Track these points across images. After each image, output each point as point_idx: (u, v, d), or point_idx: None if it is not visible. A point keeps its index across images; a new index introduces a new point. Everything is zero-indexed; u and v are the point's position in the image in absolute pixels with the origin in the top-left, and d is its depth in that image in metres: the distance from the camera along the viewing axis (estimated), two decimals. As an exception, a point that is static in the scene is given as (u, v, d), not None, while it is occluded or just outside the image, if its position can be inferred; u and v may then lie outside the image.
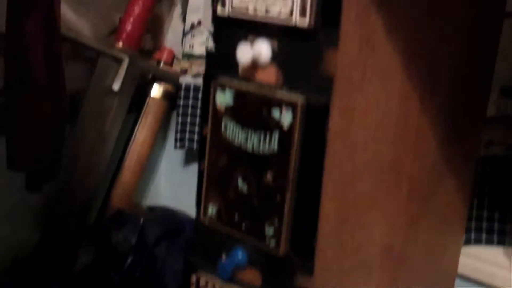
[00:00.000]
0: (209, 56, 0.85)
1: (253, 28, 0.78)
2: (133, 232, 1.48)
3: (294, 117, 0.76)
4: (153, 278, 1.48)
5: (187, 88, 1.60)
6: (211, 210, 0.86)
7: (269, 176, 0.79)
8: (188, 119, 1.61)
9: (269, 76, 0.79)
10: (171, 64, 1.69)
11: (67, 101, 1.33)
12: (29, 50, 1.22)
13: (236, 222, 0.83)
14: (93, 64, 1.58)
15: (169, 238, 1.51)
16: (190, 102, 1.60)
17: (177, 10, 1.68)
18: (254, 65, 0.78)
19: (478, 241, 1.22)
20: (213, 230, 0.87)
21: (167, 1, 1.68)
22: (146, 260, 1.47)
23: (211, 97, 0.83)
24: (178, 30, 1.67)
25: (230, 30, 0.81)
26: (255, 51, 0.77)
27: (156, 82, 1.66)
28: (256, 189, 0.80)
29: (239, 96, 0.80)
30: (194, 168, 1.67)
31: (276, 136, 0.78)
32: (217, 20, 0.81)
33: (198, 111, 1.59)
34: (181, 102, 1.60)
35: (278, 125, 0.78)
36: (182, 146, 1.62)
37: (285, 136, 0.77)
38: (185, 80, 1.60)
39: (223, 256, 0.86)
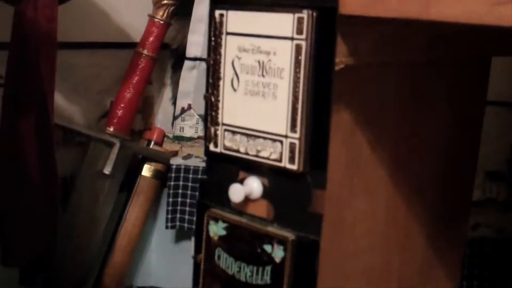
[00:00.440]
0: (202, 186, 0.88)
1: (244, 165, 0.82)
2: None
3: (285, 252, 0.79)
4: None
5: (178, 170, 1.63)
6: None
7: (262, 306, 0.82)
8: (179, 199, 1.64)
9: (261, 209, 0.82)
10: (161, 143, 1.72)
11: (59, 197, 1.35)
12: (23, 150, 1.24)
13: None
14: (84, 148, 1.61)
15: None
16: (181, 183, 1.63)
17: (167, 91, 1.71)
18: (246, 199, 0.82)
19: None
20: None
21: (157, 83, 1.72)
22: None
23: (204, 227, 0.86)
24: (168, 111, 1.70)
25: (222, 164, 0.84)
26: (247, 188, 0.81)
27: (147, 162, 1.69)
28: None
29: (231, 228, 0.84)
30: (185, 246, 1.69)
31: (268, 269, 0.81)
32: (209, 154, 0.85)
33: (189, 191, 1.63)
34: (172, 183, 1.63)
35: (270, 259, 0.81)
36: (173, 227, 1.65)
37: (278, 269, 0.80)
38: (176, 161, 1.63)
39: None
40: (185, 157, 1.64)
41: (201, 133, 1.63)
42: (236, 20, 0.80)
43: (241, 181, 0.82)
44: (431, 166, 1.05)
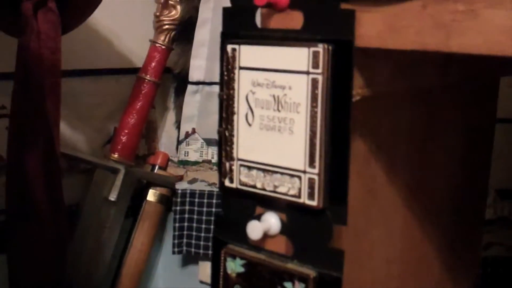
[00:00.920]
0: (218, 222, 0.86)
1: (261, 201, 0.80)
2: None
3: (306, 289, 0.78)
4: None
5: (184, 195, 1.62)
6: None
7: None
8: (185, 224, 1.62)
9: (279, 245, 0.81)
10: (165, 168, 1.71)
11: (67, 227, 1.34)
12: (31, 184, 1.23)
13: None
14: (89, 176, 1.59)
15: None
16: (187, 207, 1.62)
17: (170, 116, 1.70)
18: (264, 235, 0.80)
19: None
20: None
21: (159, 108, 1.71)
22: None
23: (222, 264, 0.84)
24: (171, 136, 1.69)
25: (238, 200, 0.82)
26: (265, 225, 0.79)
27: (152, 187, 1.68)
28: None
29: (250, 264, 0.82)
30: (192, 271, 1.67)
31: (289, 306, 0.79)
32: (225, 189, 0.83)
33: (195, 216, 1.61)
34: (178, 207, 1.62)
35: (290, 296, 0.79)
36: (180, 252, 1.63)
37: (298, 306, 0.79)
38: (181, 186, 1.62)
39: None
40: (191, 181, 1.62)
41: (205, 157, 1.62)
42: (249, 54, 0.79)
43: (258, 217, 0.81)
44: (444, 188, 1.04)
